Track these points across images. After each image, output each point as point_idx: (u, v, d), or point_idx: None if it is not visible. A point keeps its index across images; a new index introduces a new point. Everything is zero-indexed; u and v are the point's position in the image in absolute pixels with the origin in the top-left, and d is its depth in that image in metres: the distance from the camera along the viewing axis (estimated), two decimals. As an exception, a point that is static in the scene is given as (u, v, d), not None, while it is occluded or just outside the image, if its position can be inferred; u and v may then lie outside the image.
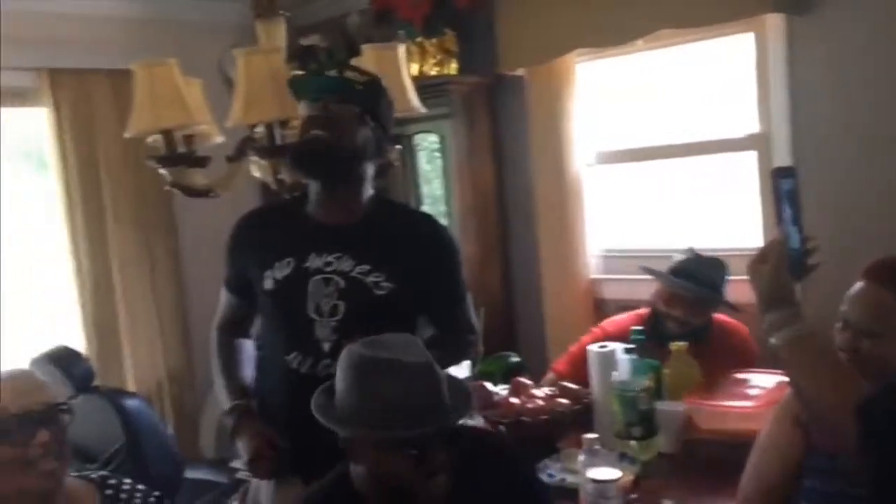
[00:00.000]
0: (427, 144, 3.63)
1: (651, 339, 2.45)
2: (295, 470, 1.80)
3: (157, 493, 1.71)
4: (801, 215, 1.42)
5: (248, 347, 2.00)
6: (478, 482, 1.46)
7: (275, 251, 1.84)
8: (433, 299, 1.89)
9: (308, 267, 1.80)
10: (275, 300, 1.83)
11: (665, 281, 2.59)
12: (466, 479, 1.43)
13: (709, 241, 3.18)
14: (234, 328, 1.99)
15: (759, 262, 1.42)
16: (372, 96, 1.83)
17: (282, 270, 1.82)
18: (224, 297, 1.99)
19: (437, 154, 3.60)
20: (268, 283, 1.83)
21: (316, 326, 1.79)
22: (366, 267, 1.80)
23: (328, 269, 1.79)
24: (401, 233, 1.87)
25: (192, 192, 2.17)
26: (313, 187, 1.86)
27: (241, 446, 1.79)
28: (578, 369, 2.45)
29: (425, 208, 3.72)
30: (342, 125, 1.77)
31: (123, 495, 1.66)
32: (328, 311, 1.78)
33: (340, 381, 1.41)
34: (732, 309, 2.59)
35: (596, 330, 2.73)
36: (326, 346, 1.78)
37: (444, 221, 3.63)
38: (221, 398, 1.92)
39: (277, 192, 2.22)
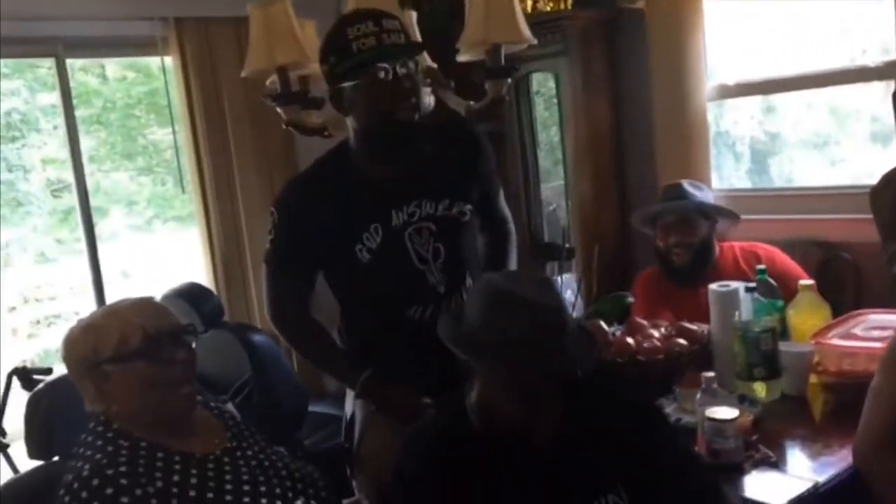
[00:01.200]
0: (544, 91, 3.56)
1: (669, 283, 2.64)
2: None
3: (261, 437, 1.76)
4: None
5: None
6: (590, 413, 1.45)
7: (355, 222, 1.80)
8: (481, 201, 1.94)
9: (395, 225, 1.80)
10: (375, 269, 1.81)
11: (645, 217, 2.74)
12: (579, 411, 1.42)
13: (842, 178, 3.02)
14: (300, 308, 1.87)
15: (883, 186, 1.30)
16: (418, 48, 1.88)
17: (373, 240, 1.80)
18: (278, 282, 1.87)
19: (555, 100, 3.53)
20: (364, 257, 1.80)
21: (426, 275, 1.82)
22: (446, 202, 1.84)
23: (414, 219, 1.82)
24: (450, 155, 1.88)
25: (308, 130, 2.20)
26: (365, 148, 1.82)
27: (398, 409, 1.79)
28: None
29: (542, 155, 3.70)
30: (420, 91, 1.75)
31: (244, 428, 1.73)
32: (432, 256, 1.83)
33: (474, 308, 1.43)
34: (726, 216, 2.64)
35: (641, 276, 2.82)
36: (442, 289, 1.83)
37: (558, 165, 3.62)
38: (335, 377, 1.99)
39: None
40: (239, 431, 1.69)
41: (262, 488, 1.56)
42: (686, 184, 2.72)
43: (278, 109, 2.18)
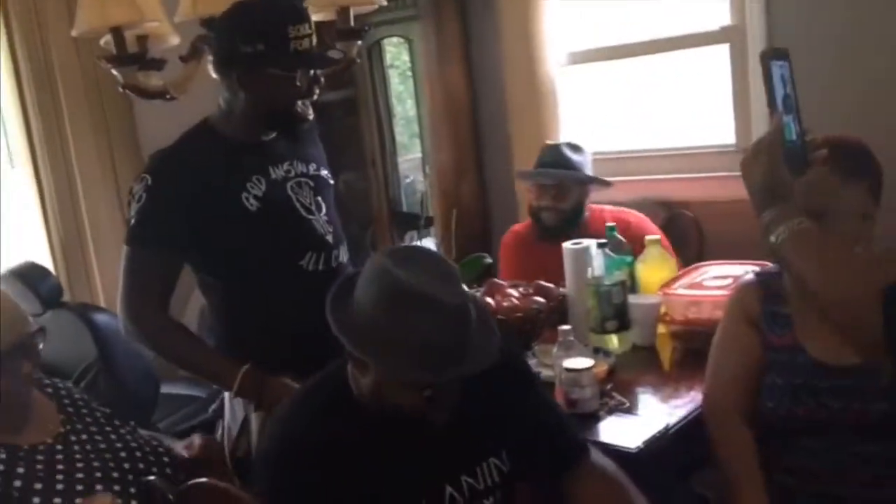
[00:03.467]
0: (399, 64, 3.54)
1: (537, 240, 2.67)
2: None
3: (105, 409, 1.68)
4: (798, 103, 1.29)
5: None
6: (478, 387, 1.38)
7: (236, 177, 1.78)
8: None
9: (275, 178, 1.83)
10: (264, 217, 1.78)
11: (523, 177, 2.79)
12: (469, 387, 1.37)
13: (682, 139, 3.16)
14: (165, 302, 1.78)
15: (753, 156, 1.33)
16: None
17: (258, 188, 1.78)
18: (139, 270, 1.75)
19: (409, 73, 3.52)
20: (252, 205, 1.77)
21: (315, 224, 1.85)
22: (314, 164, 1.93)
23: (291, 175, 1.86)
24: (308, 129, 1.94)
25: (147, 94, 2.08)
26: (251, 121, 1.82)
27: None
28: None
29: (399, 129, 3.70)
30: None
31: (81, 405, 1.64)
32: (315, 207, 1.87)
33: (370, 298, 1.29)
34: (601, 184, 2.70)
35: (509, 233, 2.84)
36: (330, 238, 1.87)
37: (415, 139, 3.63)
38: (207, 377, 1.86)
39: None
40: (75, 410, 1.62)
41: (98, 474, 1.49)
42: (565, 146, 2.72)
43: (114, 72, 2.04)
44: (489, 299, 2.20)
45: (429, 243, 2.88)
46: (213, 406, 2.10)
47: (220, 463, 1.71)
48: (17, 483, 1.41)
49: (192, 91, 2.16)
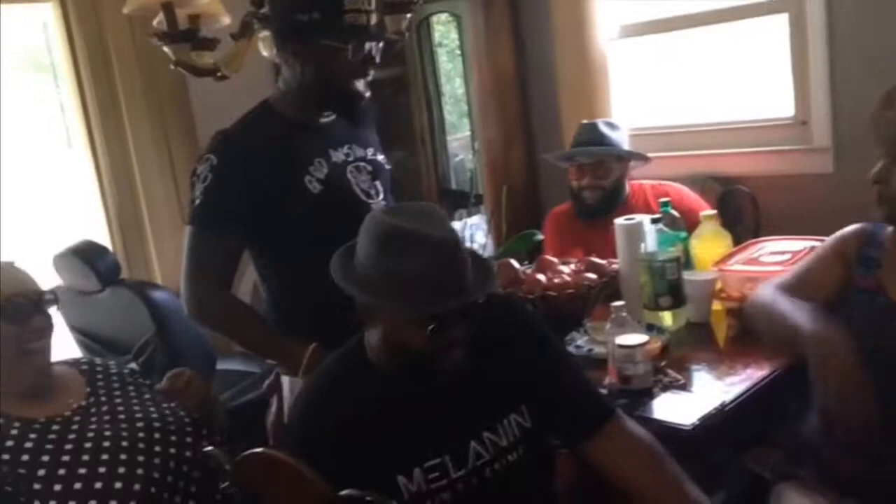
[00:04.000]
0: (447, 42, 3.52)
1: (580, 220, 2.67)
2: None
3: (144, 381, 1.72)
4: None
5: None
6: (493, 345, 1.43)
7: (299, 160, 1.79)
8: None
9: (336, 161, 1.83)
10: (326, 200, 1.78)
11: (560, 158, 2.75)
12: (483, 344, 1.40)
13: (739, 113, 3.09)
14: (228, 282, 1.81)
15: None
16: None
17: (320, 170, 1.79)
18: (202, 249, 1.76)
19: (458, 52, 3.50)
20: (314, 187, 1.78)
21: (373, 208, 1.81)
22: (371, 149, 1.93)
23: (351, 158, 1.86)
24: (365, 113, 1.94)
25: (199, 71, 2.09)
26: (309, 98, 1.82)
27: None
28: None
29: (447, 108, 3.68)
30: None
31: (113, 375, 1.68)
32: (373, 192, 1.87)
33: (364, 247, 1.36)
34: (641, 158, 2.66)
35: (550, 215, 2.82)
36: None
37: (463, 118, 3.61)
38: (270, 357, 1.87)
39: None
40: (105, 385, 1.65)
41: (106, 444, 1.52)
42: (601, 124, 2.71)
43: (165, 49, 2.06)
44: (540, 276, 2.19)
45: (478, 220, 2.86)
46: (268, 381, 2.11)
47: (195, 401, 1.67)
48: (25, 457, 1.45)
49: (244, 69, 2.18)
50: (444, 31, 3.53)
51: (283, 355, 1.80)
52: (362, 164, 1.88)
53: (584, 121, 2.78)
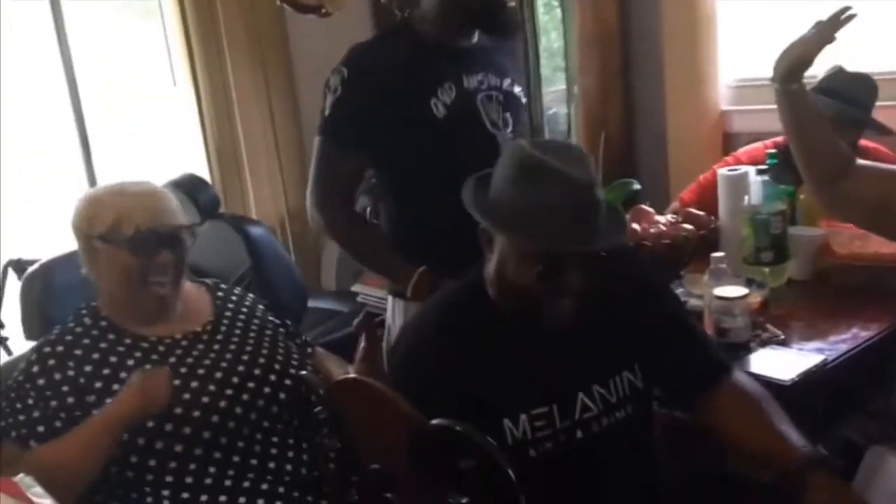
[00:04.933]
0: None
1: (788, 168, 2.22)
2: None
3: (265, 302, 1.77)
4: None
5: None
6: (612, 298, 1.39)
7: (428, 78, 1.75)
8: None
9: (468, 87, 1.78)
10: (451, 126, 1.75)
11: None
12: (602, 296, 1.35)
13: (856, 63, 2.91)
14: (350, 200, 1.82)
15: None
16: None
17: (448, 95, 1.75)
18: (330, 160, 1.77)
19: (556, 3, 3.42)
20: (439, 112, 1.73)
21: (499, 140, 1.78)
22: (508, 79, 1.85)
23: (483, 86, 1.80)
24: (503, 44, 1.89)
25: (303, 7, 2.11)
26: (448, 16, 1.76)
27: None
28: (708, 200, 2.31)
29: (543, 62, 3.61)
30: None
31: (234, 297, 1.74)
32: (502, 123, 1.82)
33: (500, 174, 1.33)
34: (880, 131, 2.36)
35: (729, 159, 2.57)
36: None
37: (557, 72, 3.53)
38: (382, 272, 1.88)
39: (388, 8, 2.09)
40: (223, 305, 1.72)
41: (218, 375, 1.58)
42: (848, 77, 2.35)
43: (271, -17, 2.07)
44: (635, 225, 2.14)
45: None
46: (357, 319, 2.14)
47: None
48: (122, 374, 1.54)
49: (345, 9, 2.18)
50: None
51: (394, 274, 1.82)
52: (495, 92, 1.81)
53: (834, 65, 2.39)
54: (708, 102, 3.12)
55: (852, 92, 2.32)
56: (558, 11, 3.46)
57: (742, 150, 2.60)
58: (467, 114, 1.76)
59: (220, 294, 1.76)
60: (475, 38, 1.83)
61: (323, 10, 2.15)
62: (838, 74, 2.37)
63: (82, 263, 1.63)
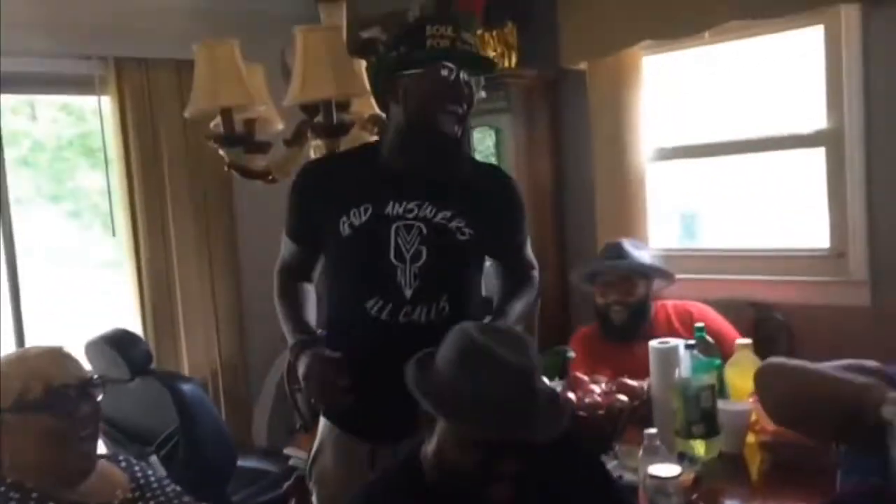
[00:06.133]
0: (483, 149, 3.59)
1: (606, 340, 2.70)
2: (362, 433, 1.81)
3: (176, 487, 1.72)
4: None
5: (311, 293, 1.96)
6: (550, 480, 1.41)
7: (349, 197, 1.80)
8: (504, 244, 1.96)
9: (388, 214, 1.79)
10: (352, 247, 1.80)
11: (586, 276, 2.77)
12: (539, 475, 1.38)
13: (773, 241, 3.10)
14: (296, 274, 1.95)
15: None
16: (489, 66, 1.84)
17: (359, 217, 1.79)
18: (286, 245, 1.94)
19: (493, 157, 3.57)
20: (344, 230, 1.79)
21: (398, 272, 1.77)
22: (448, 213, 1.80)
23: (409, 215, 1.79)
24: (478, 182, 1.89)
25: (251, 174, 2.17)
26: (399, 140, 1.81)
27: (304, 368, 1.72)
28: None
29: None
30: (471, 97, 1.78)
31: (152, 480, 1.68)
32: (410, 256, 1.78)
33: (443, 355, 1.36)
34: (663, 277, 2.71)
35: (577, 334, 2.84)
36: (408, 293, 1.77)
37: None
38: (289, 339, 1.88)
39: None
40: (146, 483, 1.65)
41: None
42: (626, 242, 2.78)
43: (221, 152, 2.14)
44: (570, 394, 2.17)
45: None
46: (287, 483, 2.09)
47: None
48: None
49: (293, 174, 2.24)
50: (479, 137, 3.60)
51: (288, 332, 1.87)
52: (420, 224, 1.78)
53: (609, 241, 2.85)
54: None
55: (617, 252, 2.72)
56: (495, 160, 3.57)
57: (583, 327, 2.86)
58: (372, 239, 1.78)
59: (137, 471, 1.69)
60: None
61: (270, 177, 2.20)
62: (604, 248, 2.81)
63: None
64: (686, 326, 2.53)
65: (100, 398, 1.59)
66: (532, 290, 2.03)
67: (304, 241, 1.91)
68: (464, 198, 1.82)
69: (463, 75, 1.74)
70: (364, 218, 1.78)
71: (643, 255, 2.77)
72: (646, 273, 2.70)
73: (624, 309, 2.65)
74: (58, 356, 1.57)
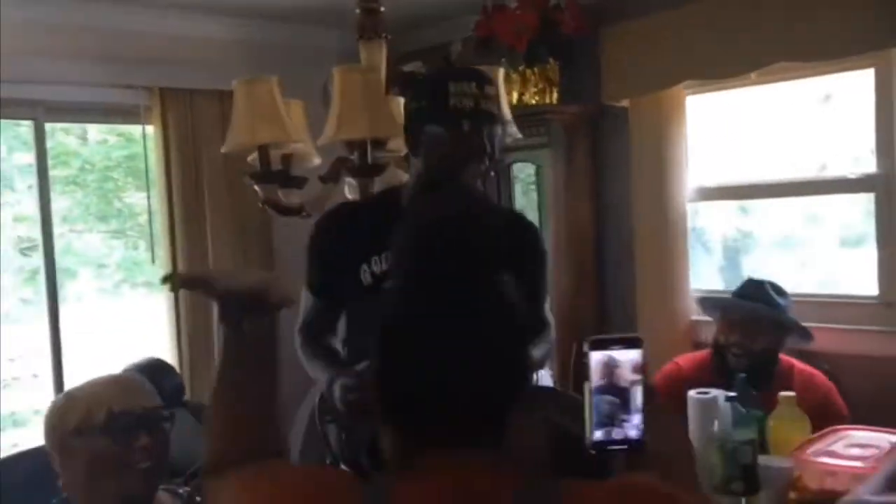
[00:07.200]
0: (523, 177, 3.57)
1: (717, 378, 2.36)
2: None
3: None
4: None
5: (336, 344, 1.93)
6: None
7: (369, 245, 1.79)
8: (525, 292, 1.86)
9: None
10: (373, 296, 1.73)
11: (712, 304, 2.56)
12: None
13: (807, 283, 3.02)
14: (317, 331, 1.92)
15: None
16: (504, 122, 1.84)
17: (379, 265, 1.78)
18: (306, 301, 1.91)
19: (533, 187, 3.55)
20: (365, 277, 1.79)
21: None
22: None
23: None
24: (503, 229, 1.84)
25: (285, 210, 2.16)
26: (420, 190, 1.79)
27: (340, 391, 1.69)
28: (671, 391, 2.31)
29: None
30: (494, 152, 1.76)
31: None
32: None
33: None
34: (799, 333, 2.46)
35: (670, 365, 2.61)
36: None
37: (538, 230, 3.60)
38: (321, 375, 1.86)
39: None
40: None
41: None
42: (767, 284, 2.52)
43: (256, 188, 2.13)
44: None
45: (544, 373, 2.81)
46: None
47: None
48: None
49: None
50: (520, 166, 3.58)
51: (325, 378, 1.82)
52: None
53: (752, 277, 2.60)
54: (678, 312, 3.18)
55: (760, 294, 2.44)
56: (535, 194, 3.55)
57: (682, 357, 2.66)
58: None
59: (184, 497, 1.68)
60: None
61: (304, 213, 2.19)
62: (745, 283, 2.54)
63: (59, 472, 1.52)
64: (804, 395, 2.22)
65: (168, 430, 1.58)
66: (544, 343, 1.93)
67: (325, 292, 1.88)
68: None
69: (486, 130, 1.71)
70: (385, 266, 1.77)
71: (785, 302, 2.49)
72: (782, 324, 2.44)
73: (744, 354, 2.39)
74: (125, 384, 1.59)
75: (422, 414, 0.93)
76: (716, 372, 2.43)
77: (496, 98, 1.77)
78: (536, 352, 1.85)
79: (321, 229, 1.88)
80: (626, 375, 1.17)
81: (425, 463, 0.92)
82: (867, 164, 2.80)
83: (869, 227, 2.84)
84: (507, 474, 0.91)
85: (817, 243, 3.12)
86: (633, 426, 1.14)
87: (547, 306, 1.98)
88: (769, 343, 2.43)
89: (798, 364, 2.50)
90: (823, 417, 2.21)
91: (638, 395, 1.15)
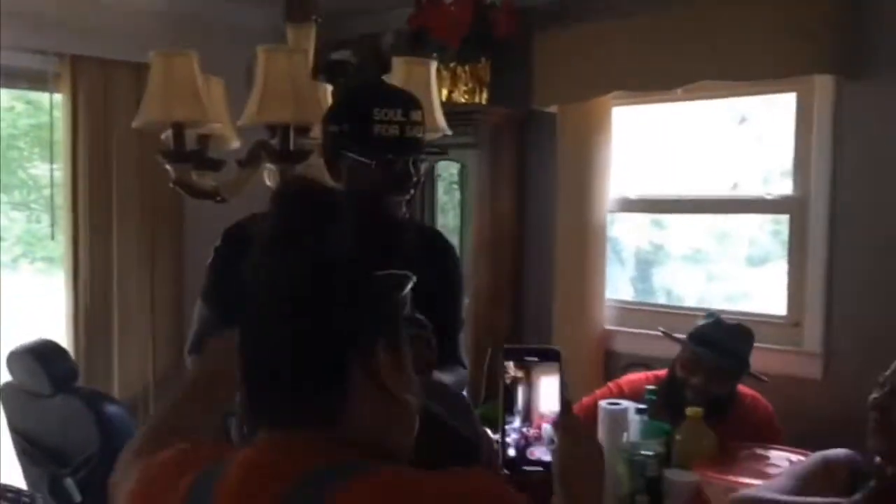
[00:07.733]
0: (447, 176, 3.53)
1: (666, 406, 2.29)
2: None
3: None
4: None
5: None
6: None
7: None
8: (438, 324, 1.79)
9: None
10: None
11: (685, 347, 2.43)
12: None
13: (724, 300, 3.07)
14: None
15: None
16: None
17: None
18: (201, 314, 1.81)
19: (455, 186, 3.51)
20: None
21: None
22: None
23: None
24: (416, 252, 1.77)
25: (197, 192, 2.05)
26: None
27: None
28: (589, 423, 2.29)
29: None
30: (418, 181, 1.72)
31: None
32: None
33: None
34: (757, 380, 2.45)
35: (611, 385, 2.59)
36: None
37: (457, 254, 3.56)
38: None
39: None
40: None
41: None
42: (736, 329, 2.43)
43: (167, 167, 2.02)
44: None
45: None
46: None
47: None
48: None
49: (244, 196, 2.13)
50: (443, 164, 3.53)
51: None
52: None
53: (715, 314, 2.51)
54: (592, 320, 3.19)
55: (731, 344, 2.38)
56: (457, 192, 3.52)
57: (625, 378, 2.63)
58: None
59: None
60: None
61: (218, 197, 2.09)
62: (716, 326, 2.43)
63: None
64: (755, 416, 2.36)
65: None
66: (461, 381, 1.84)
67: (226, 310, 1.73)
68: (400, 264, 1.77)
69: (411, 159, 1.67)
70: None
71: (749, 349, 2.43)
72: (741, 373, 2.39)
73: (702, 395, 2.29)
74: None
75: (249, 393, 0.94)
76: (666, 398, 2.31)
77: (422, 123, 1.69)
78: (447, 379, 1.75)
79: (229, 242, 1.78)
80: (542, 389, 1.13)
81: (253, 440, 0.92)
82: (776, 185, 2.87)
83: (774, 248, 2.91)
84: (321, 453, 0.87)
85: (725, 260, 3.18)
86: (546, 446, 1.10)
87: (462, 346, 1.91)
88: (732, 388, 2.41)
89: (741, 387, 2.46)
90: (768, 436, 2.23)
91: (554, 410, 1.12)
